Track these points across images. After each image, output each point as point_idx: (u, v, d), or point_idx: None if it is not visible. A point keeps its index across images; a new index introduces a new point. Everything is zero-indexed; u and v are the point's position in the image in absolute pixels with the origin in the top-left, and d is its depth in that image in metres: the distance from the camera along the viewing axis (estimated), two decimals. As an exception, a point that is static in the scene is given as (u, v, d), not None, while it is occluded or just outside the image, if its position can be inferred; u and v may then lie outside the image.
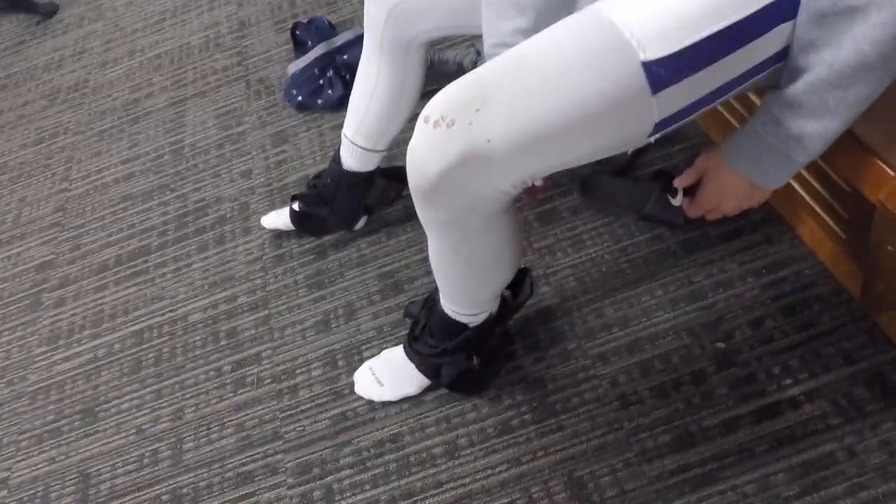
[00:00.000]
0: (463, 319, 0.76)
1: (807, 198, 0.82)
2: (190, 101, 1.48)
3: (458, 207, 0.54)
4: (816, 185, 0.78)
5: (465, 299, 0.72)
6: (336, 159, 1.00)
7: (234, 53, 1.57)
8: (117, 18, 1.83)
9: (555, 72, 0.48)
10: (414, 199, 0.57)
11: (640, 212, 0.97)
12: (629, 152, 1.05)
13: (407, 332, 0.86)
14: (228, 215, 1.21)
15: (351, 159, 0.98)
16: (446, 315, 0.76)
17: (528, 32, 0.55)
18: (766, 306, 0.83)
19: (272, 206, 1.18)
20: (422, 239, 1.04)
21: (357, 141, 0.94)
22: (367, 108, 0.90)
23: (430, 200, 0.54)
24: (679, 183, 0.63)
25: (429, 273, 0.99)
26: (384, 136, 0.94)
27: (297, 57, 1.39)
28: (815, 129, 0.48)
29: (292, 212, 1.05)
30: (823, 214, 0.80)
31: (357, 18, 1.51)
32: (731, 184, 0.57)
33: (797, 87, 0.48)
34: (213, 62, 1.57)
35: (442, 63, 1.24)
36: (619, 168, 1.04)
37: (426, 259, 1.02)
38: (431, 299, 0.82)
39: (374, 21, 0.81)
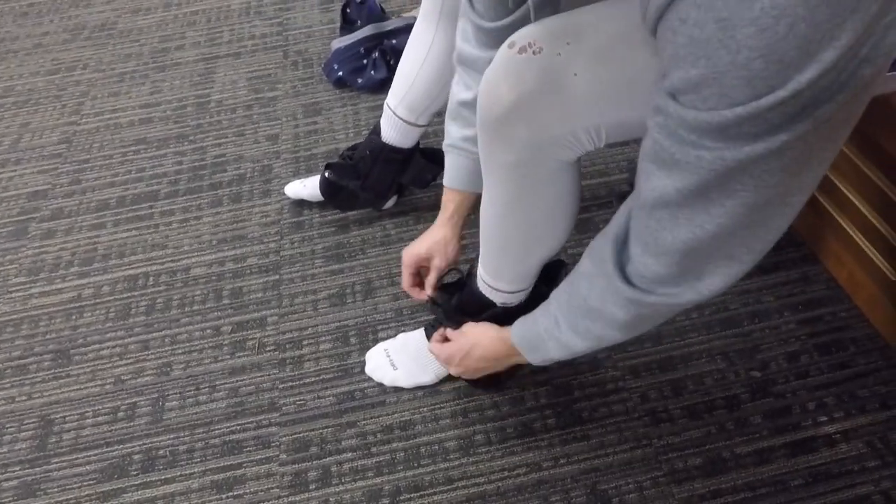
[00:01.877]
0: (494, 297, 0.71)
1: (856, 234, 0.81)
2: (222, 60, 1.44)
3: (526, 144, 0.50)
4: (874, 220, 0.77)
5: (506, 267, 0.68)
6: (376, 131, 0.96)
7: (275, 23, 1.54)
8: (157, -29, 1.79)
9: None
10: (480, 134, 0.53)
11: None
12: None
13: (428, 318, 0.81)
14: (248, 175, 1.14)
15: (392, 132, 0.94)
16: (478, 290, 0.72)
17: (474, 141, 0.59)
18: (802, 342, 0.81)
19: (296, 174, 1.13)
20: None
21: (399, 112, 0.91)
22: (416, 76, 0.87)
23: (500, 132, 0.50)
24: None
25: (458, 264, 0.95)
26: (428, 109, 0.91)
27: (344, 34, 1.36)
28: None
29: (323, 180, 1.00)
30: (875, 253, 0.79)
31: (404, 11, 1.50)
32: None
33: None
34: (252, 27, 1.53)
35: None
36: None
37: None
38: (462, 282, 0.77)
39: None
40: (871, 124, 0.71)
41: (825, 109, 0.31)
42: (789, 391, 0.77)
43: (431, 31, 0.83)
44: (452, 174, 0.69)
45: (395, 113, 0.91)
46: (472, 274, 0.73)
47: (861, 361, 0.79)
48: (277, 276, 0.97)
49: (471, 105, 0.63)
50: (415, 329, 0.84)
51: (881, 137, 0.71)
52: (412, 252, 0.74)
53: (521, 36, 0.48)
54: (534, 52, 0.47)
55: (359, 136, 1.20)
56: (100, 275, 1.00)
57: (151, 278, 0.99)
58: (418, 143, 0.97)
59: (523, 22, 0.55)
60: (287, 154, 1.18)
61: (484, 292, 0.71)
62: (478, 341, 0.65)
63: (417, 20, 0.85)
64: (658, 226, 0.41)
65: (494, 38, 0.57)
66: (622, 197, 1.01)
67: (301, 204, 1.07)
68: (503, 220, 0.60)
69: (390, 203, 1.04)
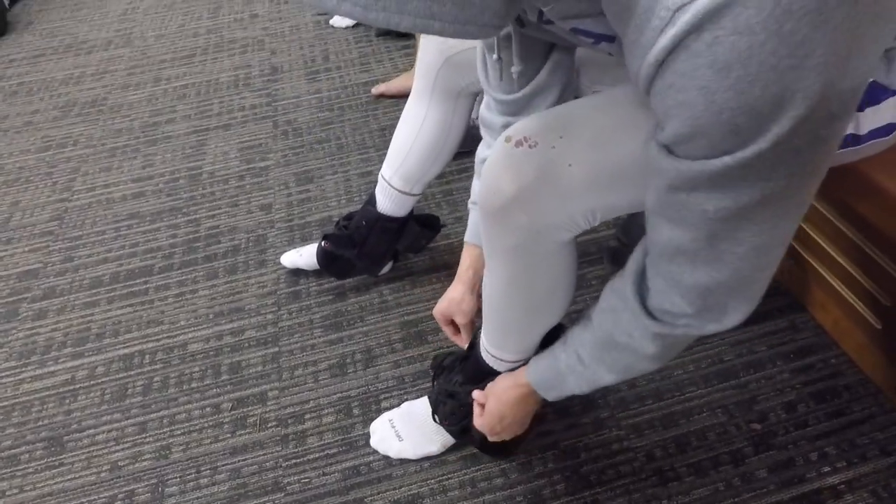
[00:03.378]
0: (499, 367, 0.73)
1: (838, 285, 0.86)
2: (213, 132, 1.48)
3: (526, 230, 0.54)
4: (854, 272, 0.82)
5: (509, 340, 0.70)
6: (371, 202, 1.00)
7: (264, 94, 1.60)
8: (146, 48, 1.85)
9: (642, 113, 0.50)
10: (482, 221, 0.57)
11: None
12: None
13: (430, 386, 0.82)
14: (243, 246, 1.16)
15: (387, 202, 0.98)
16: (482, 360, 0.74)
17: None
18: (797, 391, 0.84)
19: (291, 243, 1.15)
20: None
21: (394, 182, 0.95)
22: (409, 149, 0.92)
23: (501, 221, 0.54)
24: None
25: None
26: (421, 180, 0.95)
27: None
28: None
29: (320, 251, 1.02)
30: (857, 302, 0.83)
31: (387, 80, 1.57)
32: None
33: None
34: (242, 99, 1.58)
35: (472, 127, 1.30)
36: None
37: None
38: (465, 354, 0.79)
39: (428, 65, 0.84)
40: (843, 189, 0.77)
41: (806, 156, 0.34)
42: (790, 442, 0.79)
43: (424, 106, 0.88)
44: (472, 230, 0.73)
45: (389, 183, 0.95)
46: (475, 344, 0.75)
47: (856, 408, 0.81)
48: (276, 349, 0.97)
49: None
50: (418, 397, 0.85)
51: (852, 201, 0.77)
52: (439, 311, 0.79)
53: (517, 130, 0.52)
54: (530, 146, 0.50)
55: (351, 202, 1.23)
56: (94, 355, 0.99)
57: (147, 356, 0.98)
58: (412, 211, 1.00)
59: (532, 96, 0.60)
60: (281, 223, 1.20)
61: (488, 362, 0.72)
62: (498, 398, 0.66)
63: (410, 97, 0.90)
64: (678, 269, 0.44)
65: (509, 107, 0.62)
66: (612, 253, 1.06)
67: (297, 273, 1.09)
68: (506, 299, 0.63)
69: (386, 269, 1.06)
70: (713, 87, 0.31)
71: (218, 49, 1.81)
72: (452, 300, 0.76)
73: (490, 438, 0.71)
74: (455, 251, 1.10)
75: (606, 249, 1.07)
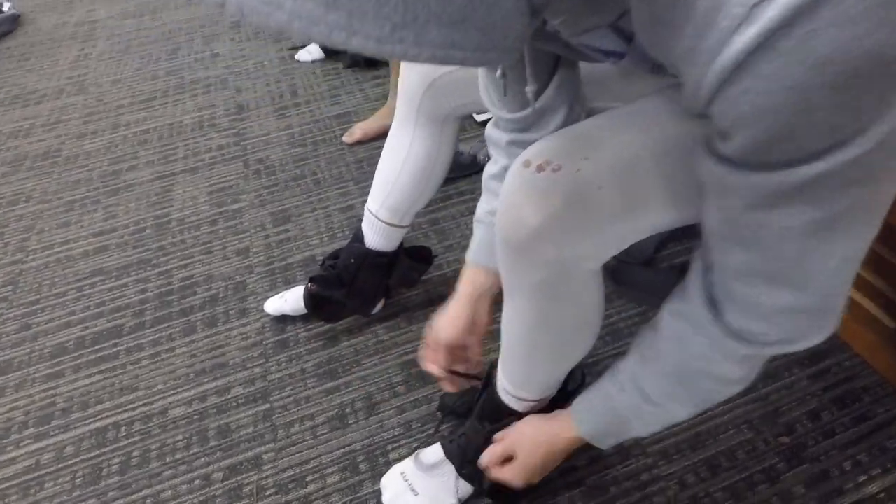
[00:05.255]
0: (518, 406, 0.67)
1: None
2: (179, 177, 1.40)
3: (554, 263, 0.49)
4: (864, 272, 0.80)
5: (533, 379, 0.65)
6: (357, 237, 0.94)
7: (231, 134, 1.53)
8: (102, 94, 1.77)
9: (672, 127, 0.47)
10: (502, 256, 0.52)
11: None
12: (653, 246, 1.07)
13: (441, 430, 0.76)
14: (221, 295, 1.08)
15: (375, 236, 0.92)
16: (499, 398, 0.68)
17: None
18: (818, 398, 0.81)
19: (273, 288, 1.08)
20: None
21: (382, 215, 0.89)
22: (395, 179, 0.87)
23: (525, 255, 0.49)
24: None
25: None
26: (410, 211, 0.90)
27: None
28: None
29: (307, 294, 0.95)
30: (868, 302, 0.82)
31: (359, 112, 1.54)
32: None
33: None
34: (208, 140, 1.52)
35: (456, 154, 1.27)
36: (644, 260, 1.05)
37: None
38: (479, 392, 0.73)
39: (411, 90, 0.80)
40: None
41: None
42: (822, 453, 0.75)
43: (408, 134, 0.84)
44: (475, 248, 0.67)
45: (376, 217, 0.90)
46: (490, 381, 0.69)
47: (879, 411, 0.79)
48: (268, 405, 0.89)
49: (498, 177, 0.63)
50: (429, 444, 0.78)
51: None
52: (443, 341, 0.68)
53: (535, 153, 0.48)
54: (553, 170, 0.46)
55: (334, 239, 1.17)
56: (61, 433, 0.88)
57: (123, 428, 0.88)
58: (402, 244, 0.95)
59: (542, 112, 0.56)
60: (260, 267, 1.13)
61: (506, 401, 0.67)
62: (540, 448, 0.60)
63: (393, 125, 0.86)
64: (755, 292, 0.39)
65: (517, 125, 0.58)
66: (612, 271, 1.02)
67: (283, 320, 1.01)
68: (532, 337, 0.58)
69: (378, 308, 1.00)
70: (806, 86, 0.27)
71: (179, 91, 1.74)
72: (456, 321, 0.67)
73: (517, 486, 0.65)
74: (450, 282, 1.05)
75: (607, 269, 1.03)
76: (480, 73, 0.58)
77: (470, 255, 0.69)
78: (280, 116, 1.58)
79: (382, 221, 0.90)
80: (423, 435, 0.83)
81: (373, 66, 1.73)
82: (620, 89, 0.69)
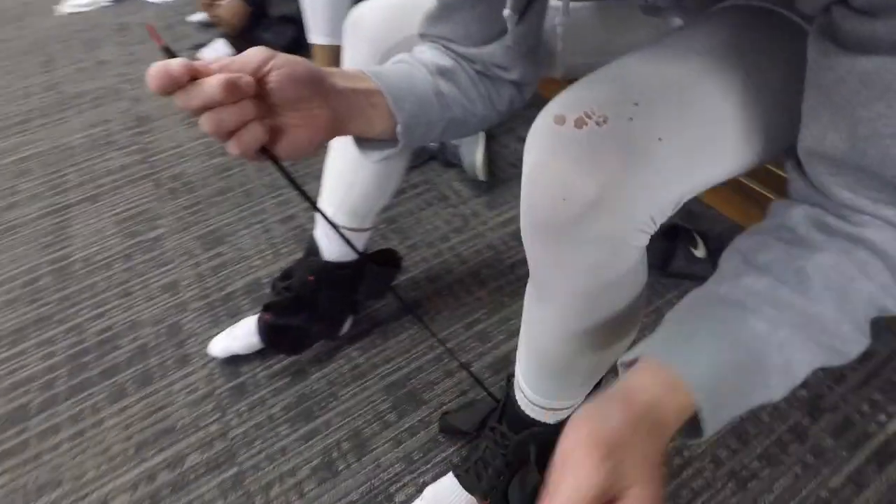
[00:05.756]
0: (548, 418, 0.57)
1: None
2: (76, 209, 1.17)
3: (607, 241, 0.38)
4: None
5: (570, 389, 0.54)
6: (312, 250, 0.80)
7: (134, 151, 1.31)
8: (-41, 122, 1.47)
9: (722, 56, 0.38)
10: (539, 248, 0.40)
11: (667, 269, 0.89)
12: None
13: (447, 454, 0.64)
14: (152, 344, 0.89)
15: (334, 246, 0.78)
16: (523, 414, 0.58)
17: None
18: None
19: (215, 325, 0.91)
20: (437, 331, 0.85)
21: (340, 220, 0.76)
22: (354, 175, 0.73)
23: (574, 236, 0.37)
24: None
25: (450, 374, 0.80)
26: (373, 210, 0.77)
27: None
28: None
29: (263, 326, 0.80)
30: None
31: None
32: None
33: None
34: (106, 162, 1.29)
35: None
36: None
37: (439, 357, 0.83)
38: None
39: (356, 64, 0.66)
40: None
41: None
42: (839, 399, 0.73)
43: None
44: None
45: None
46: (510, 397, 0.59)
47: (879, 347, 0.78)
48: (235, 468, 0.73)
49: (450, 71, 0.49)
50: (438, 475, 0.67)
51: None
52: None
53: (568, 106, 0.37)
54: (597, 124, 0.35)
55: (278, 256, 1.01)
56: (-39, 560, 0.68)
57: (48, 537, 0.69)
58: (366, 250, 0.82)
59: (516, 46, 0.45)
60: (195, 303, 0.95)
61: (532, 415, 0.56)
62: (651, 456, 0.43)
63: None
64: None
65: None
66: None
67: (235, 361, 0.85)
68: (575, 343, 0.47)
69: (346, 327, 0.86)
70: None
71: (61, 107, 1.48)
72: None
73: None
74: (421, 286, 0.93)
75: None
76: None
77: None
78: (191, 125, 1.37)
79: (343, 227, 0.76)
80: (430, 465, 0.71)
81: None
82: (603, 42, 0.59)
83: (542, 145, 0.37)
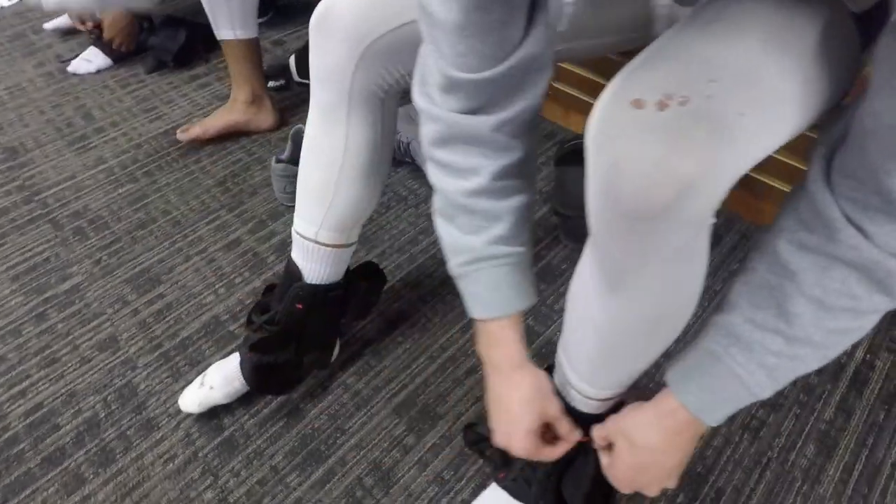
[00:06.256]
0: (599, 409, 0.57)
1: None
2: (-50, 269, 0.95)
3: (695, 221, 0.38)
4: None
5: (630, 372, 0.54)
6: (293, 275, 0.72)
7: (14, 189, 1.10)
8: None
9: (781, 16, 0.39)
10: (624, 236, 0.39)
11: None
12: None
13: (478, 467, 0.62)
14: (103, 415, 0.76)
15: (319, 266, 0.71)
16: (575, 408, 0.57)
17: (507, 238, 0.48)
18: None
19: (178, 377, 0.79)
20: (426, 343, 0.81)
21: (323, 238, 0.69)
22: (335, 187, 0.67)
23: (665, 222, 0.37)
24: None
25: (459, 382, 0.77)
26: (358, 222, 0.71)
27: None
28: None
29: (250, 367, 0.71)
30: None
31: (194, 122, 1.22)
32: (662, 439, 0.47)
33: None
34: (-22, 207, 1.06)
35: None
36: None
37: (444, 366, 0.79)
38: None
39: (339, 68, 0.59)
40: None
41: None
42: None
43: (342, 125, 0.63)
44: (496, 297, 0.51)
45: (316, 241, 0.69)
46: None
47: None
48: (247, 536, 0.65)
49: (487, 191, 0.47)
50: (476, 490, 0.64)
51: None
52: (525, 430, 0.51)
53: (644, 89, 0.36)
54: (680, 104, 0.35)
55: (233, 288, 0.90)
56: None
57: None
58: (348, 267, 0.76)
59: (529, 64, 0.43)
60: (145, 356, 0.82)
61: (577, 405, 0.56)
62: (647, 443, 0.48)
63: (312, 120, 0.65)
64: None
65: (484, 91, 0.43)
66: (566, 228, 0.96)
67: (213, 414, 0.75)
68: (652, 327, 0.47)
69: (336, 352, 0.79)
70: None
71: None
72: (532, 400, 0.50)
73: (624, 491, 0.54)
74: (403, 295, 0.88)
75: (559, 227, 0.97)
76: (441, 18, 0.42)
77: (482, 312, 0.51)
78: (80, 151, 1.18)
79: (325, 245, 0.69)
80: (465, 483, 0.68)
81: (184, 64, 1.38)
82: (589, 21, 0.59)
83: (624, 132, 0.36)
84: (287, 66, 1.30)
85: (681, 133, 0.35)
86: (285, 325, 0.71)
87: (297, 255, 0.71)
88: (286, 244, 0.95)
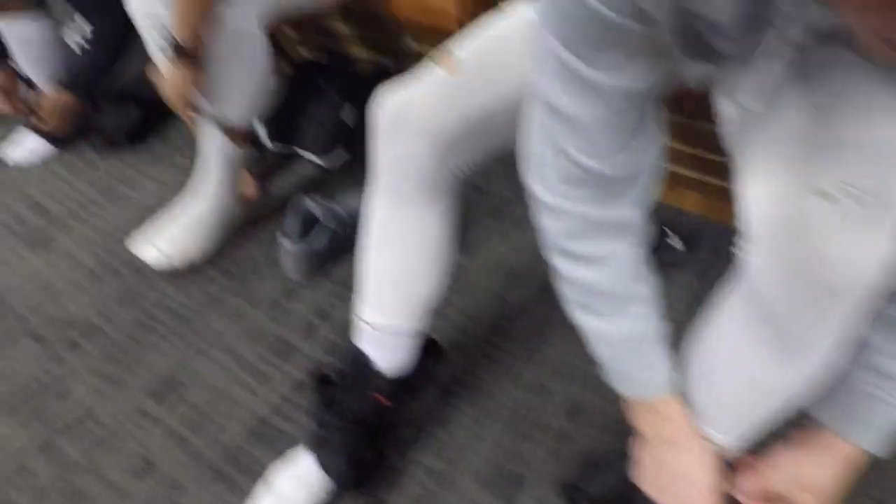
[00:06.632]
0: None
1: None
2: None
3: (868, 289, 0.43)
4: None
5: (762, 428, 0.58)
6: (360, 365, 0.69)
7: (-30, 305, 0.96)
8: None
9: None
10: (807, 310, 0.42)
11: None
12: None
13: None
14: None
15: (395, 356, 0.69)
16: None
17: (649, 316, 0.54)
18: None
19: (234, 491, 0.74)
20: (482, 403, 0.82)
21: (404, 328, 0.68)
22: (415, 274, 0.67)
23: (852, 294, 0.41)
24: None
25: (527, 437, 0.78)
26: (431, 305, 0.70)
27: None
28: None
29: (343, 469, 0.68)
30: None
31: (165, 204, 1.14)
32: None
33: None
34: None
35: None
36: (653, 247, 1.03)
37: (509, 425, 0.77)
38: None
39: (415, 159, 0.61)
40: None
41: None
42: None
43: (419, 210, 0.64)
44: (654, 375, 0.55)
45: (393, 331, 0.68)
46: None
47: None
48: None
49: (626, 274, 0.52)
50: None
51: None
52: (708, 489, 0.54)
53: (826, 178, 0.38)
54: (857, 201, 0.38)
55: (268, 381, 0.86)
56: None
57: None
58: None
59: (632, 166, 0.48)
60: (185, 470, 0.75)
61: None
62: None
63: (379, 204, 0.65)
64: None
65: (597, 185, 0.47)
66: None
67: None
68: (798, 398, 0.51)
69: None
70: None
71: None
72: (709, 453, 0.54)
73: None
74: (449, 359, 0.86)
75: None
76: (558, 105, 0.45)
77: (653, 388, 0.54)
78: (42, 249, 1.06)
79: (404, 336, 0.69)
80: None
81: (140, 139, 1.29)
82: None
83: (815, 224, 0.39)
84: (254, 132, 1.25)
85: (866, 238, 0.38)
86: (366, 423, 0.69)
87: (368, 346, 0.69)
88: (311, 325, 0.92)
